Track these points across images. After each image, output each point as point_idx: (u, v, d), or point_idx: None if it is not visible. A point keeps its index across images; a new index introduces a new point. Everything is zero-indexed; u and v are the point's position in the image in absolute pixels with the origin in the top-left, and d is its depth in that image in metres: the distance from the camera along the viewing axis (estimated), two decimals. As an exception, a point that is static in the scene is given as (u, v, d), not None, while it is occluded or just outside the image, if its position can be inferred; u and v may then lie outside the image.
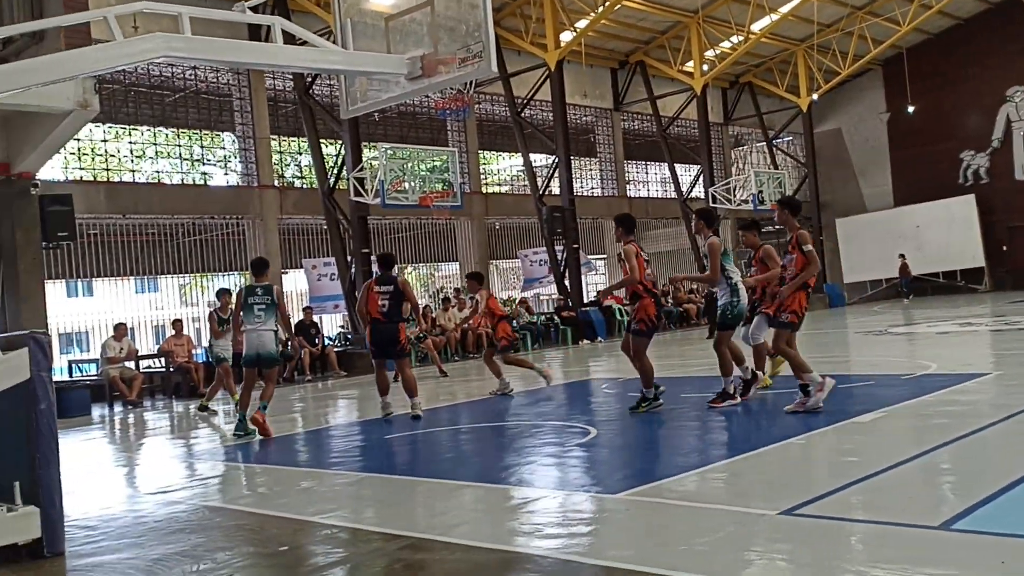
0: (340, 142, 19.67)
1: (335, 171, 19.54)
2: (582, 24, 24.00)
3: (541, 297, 27.34)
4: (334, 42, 7.67)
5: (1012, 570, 3.51)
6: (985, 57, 30.98)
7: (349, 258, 19.15)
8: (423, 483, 6.30)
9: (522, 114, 23.89)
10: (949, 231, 30.88)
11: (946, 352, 12.49)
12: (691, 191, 29.31)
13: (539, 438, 7.76)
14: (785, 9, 26.62)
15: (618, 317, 22.46)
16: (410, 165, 18.63)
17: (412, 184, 18.34)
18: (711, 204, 27.46)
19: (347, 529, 5.07)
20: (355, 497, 6.13)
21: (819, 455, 6.24)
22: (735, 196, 27.31)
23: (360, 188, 18.26)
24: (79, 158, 18.83)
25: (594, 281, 28.12)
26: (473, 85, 18.35)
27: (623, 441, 7.31)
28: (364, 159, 18.81)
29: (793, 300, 7.63)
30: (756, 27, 27.46)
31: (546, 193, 23.67)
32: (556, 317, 22.53)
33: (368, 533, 4.93)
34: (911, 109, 31.36)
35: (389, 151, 18.18)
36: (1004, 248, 30.91)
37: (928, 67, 31.90)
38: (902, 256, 30.04)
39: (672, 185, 29.44)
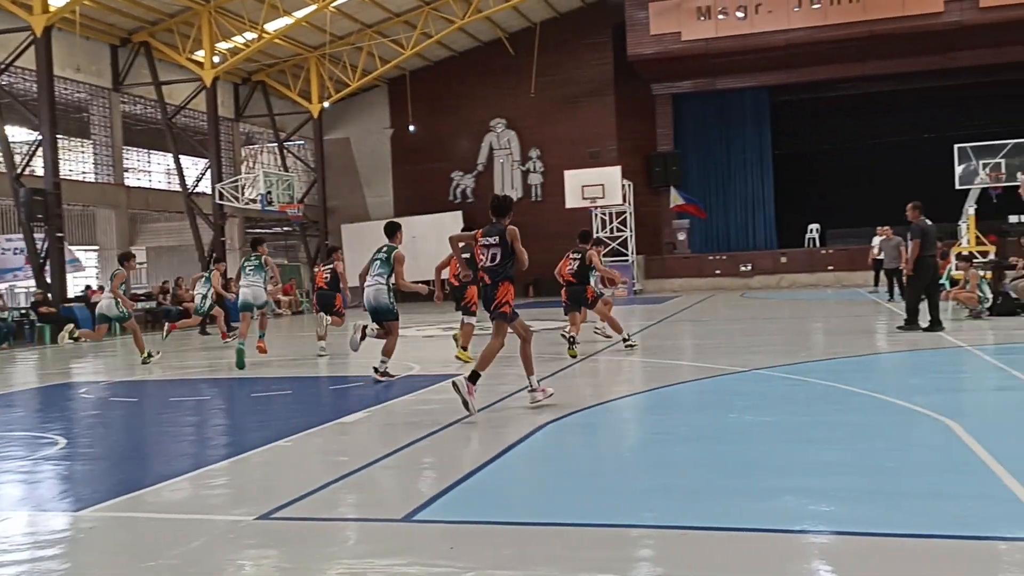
0: None
1: None
2: (77, -11, 21.77)
3: (16, 290, 24.14)
4: None
5: (459, 553, 3.87)
6: (474, 88, 34.67)
7: None
8: None
9: (1, 82, 20.88)
10: (439, 242, 33.88)
11: (429, 354, 13.53)
12: (197, 185, 28.24)
13: (-5, 452, 6.76)
14: (300, 14, 26.89)
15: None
16: None
17: None
18: (217, 201, 26.72)
19: None
20: None
21: (303, 457, 6.31)
22: (243, 195, 26.91)
23: None
24: None
25: (80, 280, 25.42)
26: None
27: (98, 451, 6.68)
28: None
29: (506, 292, 7.58)
30: (270, 27, 27.39)
31: (25, 173, 20.98)
32: (33, 313, 20.03)
33: None
34: (412, 128, 33.96)
35: None
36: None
37: (427, 91, 34.73)
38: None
39: (177, 177, 28.04)
